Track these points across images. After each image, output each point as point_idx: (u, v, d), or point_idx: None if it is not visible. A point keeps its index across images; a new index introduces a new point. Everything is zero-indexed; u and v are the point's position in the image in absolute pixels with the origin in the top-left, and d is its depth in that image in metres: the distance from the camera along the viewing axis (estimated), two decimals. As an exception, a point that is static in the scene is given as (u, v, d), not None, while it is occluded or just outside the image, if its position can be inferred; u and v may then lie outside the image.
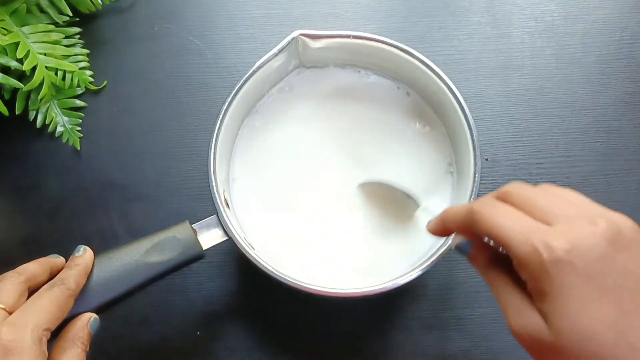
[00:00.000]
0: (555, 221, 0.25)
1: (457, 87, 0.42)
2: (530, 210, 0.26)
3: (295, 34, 0.42)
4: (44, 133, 0.51)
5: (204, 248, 0.39)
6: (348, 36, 0.43)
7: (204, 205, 0.49)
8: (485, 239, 0.29)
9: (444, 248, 0.38)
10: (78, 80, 0.51)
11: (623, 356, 0.23)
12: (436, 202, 0.44)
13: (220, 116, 0.41)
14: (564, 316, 0.24)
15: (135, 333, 0.47)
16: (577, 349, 0.24)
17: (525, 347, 0.26)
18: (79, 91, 0.52)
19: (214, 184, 0.40)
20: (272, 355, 0.46)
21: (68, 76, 0.50)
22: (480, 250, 0.29)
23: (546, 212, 0.26)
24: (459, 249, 0.30)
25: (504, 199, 0.28)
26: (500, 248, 0.29)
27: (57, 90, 0.51)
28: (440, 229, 0.31)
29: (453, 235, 0.30)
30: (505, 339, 0.46)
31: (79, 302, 0.34)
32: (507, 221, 0.26)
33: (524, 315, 0.26)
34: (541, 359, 0.25)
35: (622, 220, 0.25)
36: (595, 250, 0.24)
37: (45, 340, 0.30)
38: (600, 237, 0.24)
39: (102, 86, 0.52)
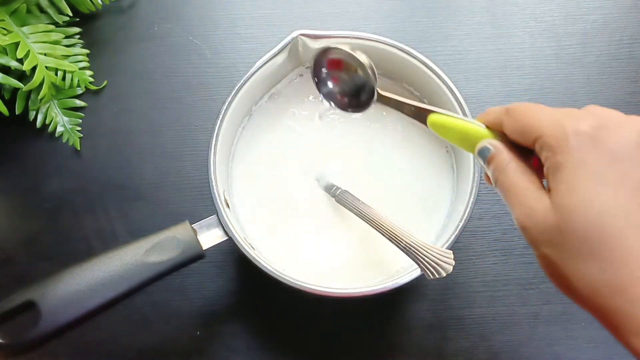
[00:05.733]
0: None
1: (457, 87, 0.42)
2: (573, 111, 0.26)
3: (295, 34, 0.42)
4: (44, 133, 0.51)
5: (204, 248, 0.39)
6: (348, 36, 0.43)
7: (204, 205, 0.49)
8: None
9: (444, 248, 0.38)
10: (78, 80, 0.51)
11: (632, 245, 0.22)
12: (436, 202, 0.45)
13: (220, 116, 0.41)
14: (576, 190, 0.23)
15: (135, 333, 0.47)
16: (583, 229, 0.22)
17: (529, 237, 0.25)
18: (79, 91, 0.52)
19: (214, 184, 0.40)
20: (272, 355, 0.46)
21: (68, 76, 0.50)
22: (500, 151, 0.28)
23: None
24: (480, 153, 0.29)
25: None
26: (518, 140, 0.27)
27: (57, 90, 0.51)
28: (485, 115, 0.30)
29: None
30: (505, 339, 0.46)
31: (79, 301, 0.34)
32: (542, 111, 0.26)
33: (532, 200, 0.25)
34: (544, 246, 0.24)
35: None
36: (627, 137, 0.23)
37: None
38: (635, 129, 0.23)
39: (102, 86, 0.52)
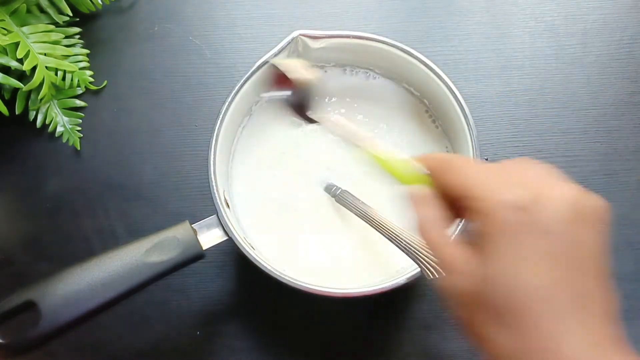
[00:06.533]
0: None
1: (457, 87, 0.42)
2: (508, 176, 0.26)
3: (295, 34, 0.42)
4: (44, 133, 0.51)
5: (204, 248, 0.39)
6: (348, 36, 0.43)
7: (204, 205, 0.48)
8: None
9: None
10: (78, 80, 0.51)
11: (545, 313, 0.23)
12: (436, 202, 0.44)
13: (221, 116, 0.41)
14: (499, 263, 0.23)
15: (135, 333, 0.47)
16: (500, 302, 0.23)
17: (447, 297, 0.26)
18: (79, 91, 0.52)
19: (214, 184, 0.40)
20: (272, 355, 0.46)
21: (68, 76, 0.50)
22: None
23: (522, 180, 0.25)
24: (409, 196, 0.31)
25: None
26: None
27: (57, 90, 0.51)
28: (420, 159, 0.30)
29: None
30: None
31: (79, 301, 0.34)
32: (472, 170, 0.26)
33: (454, 263, 0.26)
34: (462, 309, 0.25)
35: (597, 200, 0.24)
36: (556, 213, 0.23)
37: None
38: (565, 205, 0.23)
39: (102, 86, 0.52)
